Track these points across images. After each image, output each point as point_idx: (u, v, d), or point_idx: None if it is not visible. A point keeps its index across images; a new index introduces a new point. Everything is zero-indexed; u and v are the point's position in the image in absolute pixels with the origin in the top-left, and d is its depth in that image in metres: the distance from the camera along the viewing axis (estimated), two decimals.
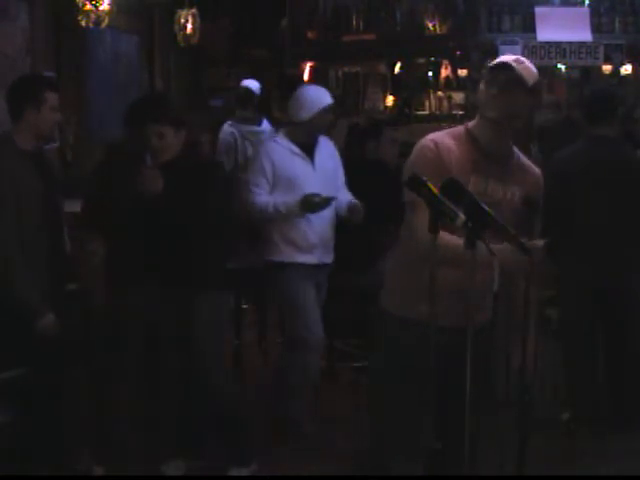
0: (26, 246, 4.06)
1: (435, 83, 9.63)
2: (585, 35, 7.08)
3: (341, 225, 5.10)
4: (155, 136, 4.24)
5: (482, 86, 3.19)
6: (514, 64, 3.15)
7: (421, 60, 9.36)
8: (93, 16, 6.06)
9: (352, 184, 5.24)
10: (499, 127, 3.17)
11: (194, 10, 8.26)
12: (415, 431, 3.28)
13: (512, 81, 3.13)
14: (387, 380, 3.39)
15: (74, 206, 4.78)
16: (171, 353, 4.42)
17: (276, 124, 10.17)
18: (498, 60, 3.23)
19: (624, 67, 9.02)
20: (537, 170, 3.35)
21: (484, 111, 3.19)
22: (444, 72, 9.38)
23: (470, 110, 9.15)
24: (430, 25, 9.05)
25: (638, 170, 4.88)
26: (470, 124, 3.26)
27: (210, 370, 4.36)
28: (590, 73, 8.63)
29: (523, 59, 3.21)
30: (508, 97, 3.13)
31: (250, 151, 7.19)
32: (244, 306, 5.98)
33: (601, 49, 7.08)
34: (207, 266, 4.30)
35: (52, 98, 4.11)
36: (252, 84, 8.10)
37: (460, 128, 3.28)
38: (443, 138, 3.22)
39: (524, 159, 3.33)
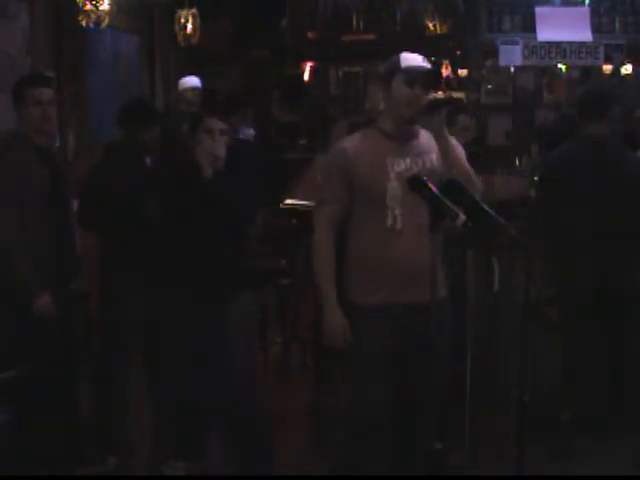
0: (29, 235, 4.12)
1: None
2: (585, 35, 7.08)
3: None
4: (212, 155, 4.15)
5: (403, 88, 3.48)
6: (427, 64, 3.54)
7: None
8: (93, 16, 6.07)
9: None
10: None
11: (194, 10, 8.27)
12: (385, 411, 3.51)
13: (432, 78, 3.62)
14: (360, 365, 3.57)
15: (75, 206, 4.79)
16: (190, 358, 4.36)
17: (276, 124, 10.21)
18: (411, 62, 3.53)
19: (624, 67, 9.02)
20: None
21: (394, 107, 3.51)
22: (444, 72, 9.38)
23: (470, 110, 9.17)
24: (430, 25, 9.06)
25: (629, 169, 4.85)
26: (378, 121, 3.62)
27: (239, 372, 4.28)
28: (590, 73, 8.63)
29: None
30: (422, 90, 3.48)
31: None
32: None
33: (601, 49, 7.08)
34: (240, 265, 4.23)
35: (36, 94, 4.23)
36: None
37: (368, 128, 3.65)
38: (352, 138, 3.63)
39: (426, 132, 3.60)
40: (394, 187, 3.46)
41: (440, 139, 3.50)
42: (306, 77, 9.67)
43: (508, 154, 7.39)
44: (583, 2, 8.64)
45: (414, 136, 3.57)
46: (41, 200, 4.19)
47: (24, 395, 4.18)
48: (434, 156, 3.56)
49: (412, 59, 3.54)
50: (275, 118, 10.11)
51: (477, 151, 8.17)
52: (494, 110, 8.92)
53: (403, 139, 3.55)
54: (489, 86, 8.97)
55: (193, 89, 7.01)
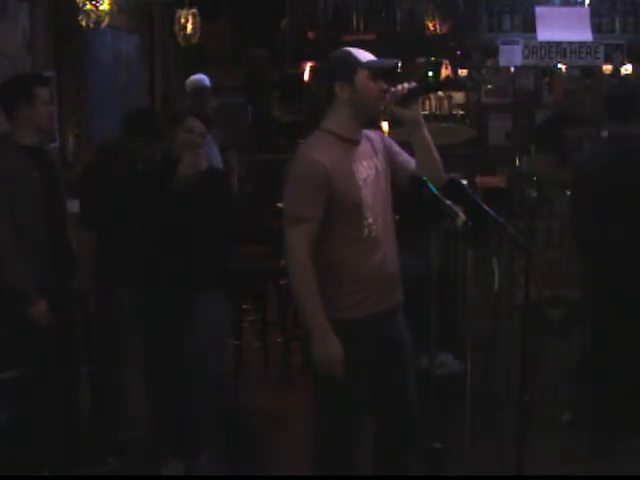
0: (24, 237, 4.11)
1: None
2: (585, 35, 7.07)
3: None
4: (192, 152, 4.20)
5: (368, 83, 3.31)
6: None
7: (421, 60, 9.36)
8: (93, 16, 6.06)
9: None
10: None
11: (194, 10, 8.26)
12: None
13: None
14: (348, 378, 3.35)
15: (75, 206, 4.80)
16: (172, 352, 4.42)
17: (276, 124, 10.21)
18: (368, 56, 3.37)
19: (624, 67, 9.01)
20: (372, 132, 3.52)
21: (363, 104, 3.31)
22: (444, 72, 9.37)
23: (470, 110, 9.16)
24: (430, 25, 9.05)
25: None
26: (327, 125, 3.37)
27: (209, 372, 4.34)
28: (591, 73, 8.62)
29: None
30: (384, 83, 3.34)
31: None
32: (244, 306, 5.98)
33: (601, 49, 7.07)
34: (210, 267, 4.30)
35: (43, 92, 4.22)
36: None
37: (320, 134, 3.39)
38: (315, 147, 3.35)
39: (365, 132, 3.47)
40: (365, 195, 3.31)
41: (417, 131, 3.37)
42: (306, 77, 9.67)
43: (508, 154, 7.39)
44: (583, 2, 8.65)
45: (361, 138, 3.42)
46: (35, 201, 4.17)
47: (24, 395, 4.18)
48: (381, 156, 3.44)
49: (365, 54, 3.37)
50: (275, 118, 10.12)
51: (476, 151, 8.21)
52: (494, 110, 8.92)
53: (357, 142, 3.39)
54: (489, 86, 8.97)
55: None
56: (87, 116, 7.00)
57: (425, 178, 3.21)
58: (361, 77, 3.31)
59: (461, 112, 9.28)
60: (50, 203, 4.27)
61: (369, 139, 3.45)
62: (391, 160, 3.48)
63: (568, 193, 5.15)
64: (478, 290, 4.63)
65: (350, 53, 3.35)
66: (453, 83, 4.04)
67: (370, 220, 3.32)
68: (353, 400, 3.37)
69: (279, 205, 6.37)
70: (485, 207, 3.05)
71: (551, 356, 5.16)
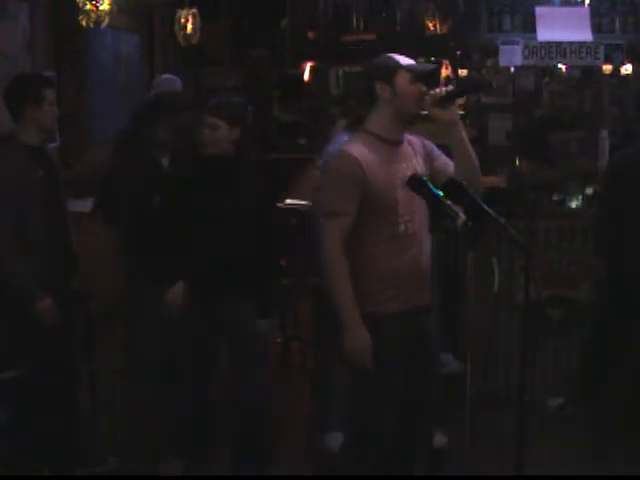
0: (26, 237, 4.11)
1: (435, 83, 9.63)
2: (585, 35, 7.06)
3: None
4: (209, 127, 4.21)
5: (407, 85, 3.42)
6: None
7: (421, 60, 9.35)
8: (93, 16, 6.05)
9: None
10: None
11: (194, 10, 8.25)
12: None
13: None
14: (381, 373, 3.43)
15: (75, 206, 4.80)
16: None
17: (277, 124, 10.20)
18: (409, 60, 3.49)
19: (624, 67, 9.01)
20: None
21: (402, 104, 3.42)
22: (444, 72, 9.37)
23: (470, 110, 9.16)
24: (430, 25, 9.05)
25: None
26: (367, 126, 3.48)
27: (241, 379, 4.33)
28: (591, 73, 8.62)
29: None
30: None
31: None
32: None
33: (601, 49, 7.06)
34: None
35: (50, 94, 4.25)
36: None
37: (360, 134, 3.49)
38: (353, 145, 3.45)
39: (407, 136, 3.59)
40: (402, 194, 3.40)
41: (454, 132, 3.47)
42: (306, 77, 9.66)
43: (508, 154, 7.39)
44: (583, 2, 8.64)
45: (402, 140, 3.54)
46: (36, 201, 4.18)
47: (24, 395, 4.18)
48: (420, 159, 3.54)
49: (405, 59, 3.49)
50: (275, 118, 10.11)
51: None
52: (494, 110, 8.91)
53: (397, 143, 3.51)
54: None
55: None
56: (87, 116, 7.00)
57: (425, 178, 3.22)
58: (401, 79, 3.43)
59: (461, 112, 9.27)
60: (50, 203, 4.28)
61: (410, 142, 3.56)
62: (431, 163, 3.58)
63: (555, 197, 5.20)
64: (478, 290, 4.64)
65: (391, 57, 3.49)
66: (489, 85, 4.05)
67: (406, 217, 3.42)
68: (386, 396, 3.42)
69: (279, 205, 6.38)
70: (485, 207, 3.05)
71: (551, 356, 5.17)
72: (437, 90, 3.40)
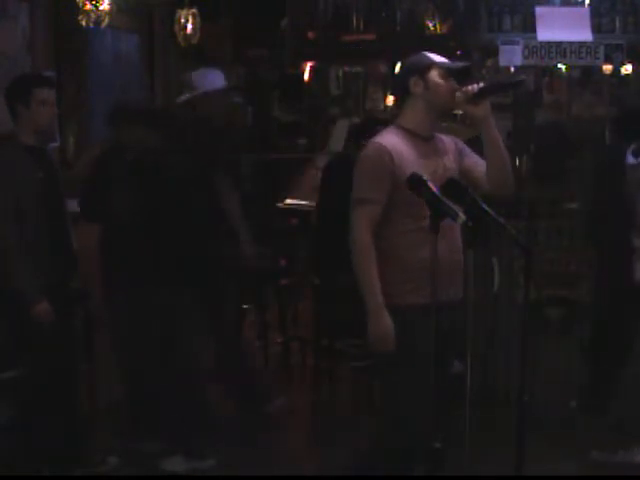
0: (26, 238, 4.11)
1: None
2: (585, 35, 7.05)
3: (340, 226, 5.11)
4: None
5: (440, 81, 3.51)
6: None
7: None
8: (93, 16, 6.06)
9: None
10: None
11: (194, 10, 8.24)
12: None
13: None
14: (407, 365, 3.45)
15: (75, 206, 4.80)
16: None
17: (277, 124, 10.21)
18: (442, 58, 3.61)
19: (624, 67, 9.01)
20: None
21: (435, 100, 3.51)
22: None
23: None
24: (430, 25, 9.05)
25: None
26: (400, 121, 3.57)
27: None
28: (591, 73, 8.62)
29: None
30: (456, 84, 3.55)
31: None
32: (244, 306, 5.98)
33: (601, 49, 7.05)
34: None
35: (41, 93, 4.22)
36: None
37: (392, 128, 3.59)
38: (384, 139, 3.53)
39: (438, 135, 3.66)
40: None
41: (486, 128, 3.54)
42: (306, 77, 9.66)
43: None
44: (583, 2, 8.64)
45: (434, 135, 3.60)
46: (36, 201, 4.18)
47: (24, 395, 4.18)
48: (451, 157, 3.60)
49: (438, 57, 3.60)
50: (275, 118, 10.12)
51: (476, 151, 8.19)
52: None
53: (429, 138, 3.57)
54: None
55: None
56: (87, 116, 7.00)
57: (425, 177, 3.22)
58: (434, 75, 3.52)
59: (461, 112, 9.27)
60: (50, 203, 4.28)
61: (442, 140, 3.63)
62: (461, 162, 3.65)
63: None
64: (478, 290, 4.64)
65: (425, 54, 3.61)
66: (522, 83, 4.06)
67: None
68: (414, 388, 3.41)
69: (279, 205, 6.39)
70: (485, 207, 3.05)
71: (551, 356, 5.16)
72: (470, 87, 3.47)
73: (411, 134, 3.54)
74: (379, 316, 3.41)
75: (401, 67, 3.71)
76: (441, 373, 3.42)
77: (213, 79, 5.04)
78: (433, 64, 3.55)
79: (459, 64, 3.61)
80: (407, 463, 3.54)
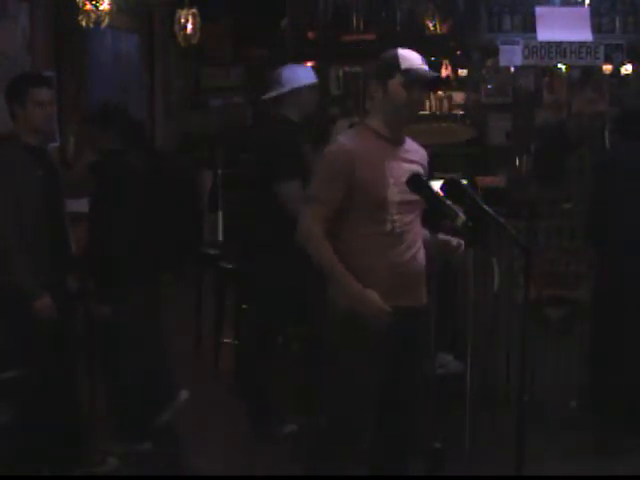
0: (25, 237, 4.11)
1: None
2: (585, 35, 7.05)
3: None
4: None
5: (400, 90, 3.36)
6: (425, 66, 3.41)
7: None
8: (93, 16, 6.06)
9: None
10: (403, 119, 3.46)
11: (194, 10, 8.25)
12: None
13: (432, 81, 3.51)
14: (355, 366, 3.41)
15: (74, 206, 4.80)
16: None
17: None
18: (412, 63, 3.39)
19: (624, 67, 9.01)
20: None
21: (393, 108, 3.39)
22: (444, 72, 9.36)
23: (470, 110, 9.15)
24: (430, 25, 9.05)
25: None
26: (367, 120, 3.48)
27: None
28: (591, 73, 8.63)
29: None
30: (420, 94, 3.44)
31: None
32: (244, 306, 5.98)
33: (601, 49, 7.05)
34: None
35: (37, 93, 4.21)
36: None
37: (359, 127, 3.53)
38: (350, 138, 3.46)
39: (410, 140, 3.55)
40: (393, 193, 3.35)
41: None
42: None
43: (508, 154, 7.39)
44: (583, 2, 8.64)
45: (404, 140, 3.50)
46: (37, 200, 4.19)
47: (24, 395, 4.18)
48: (419, 166, 3.47)
49: (411, 59, 3.40)
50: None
51: (476, 151, 8.21)
52: (494, 110, 8.91)
53: (397, 141, 3.46)
54: (489, 86, 8.97)
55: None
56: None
57: (425, 178, 3.22)
58: (395, 83, 3.37)
59: (461, 112, 9.28)
60: (50, 203, 4.28)
61: (413, 147, 3.53)
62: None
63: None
64: (478, 290, 4.64)
65: (395, 56, 3.40)
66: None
67: (395, 217, 3.36)
68: (361, 392, 3.39)
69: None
70: (485, 207, 3.05)
71: (551, 356, 5.16)
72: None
73: (378, 135, 3.43)
74: (366, 293, 3.31)
75: (372, 66, 3.58)
76: (399, 380, 3.44)
77: (304, 74, 5.01)
78: (396, 71, 3.36)
79: (426, 74, 3.41)
80: (346, 462, 3.50)
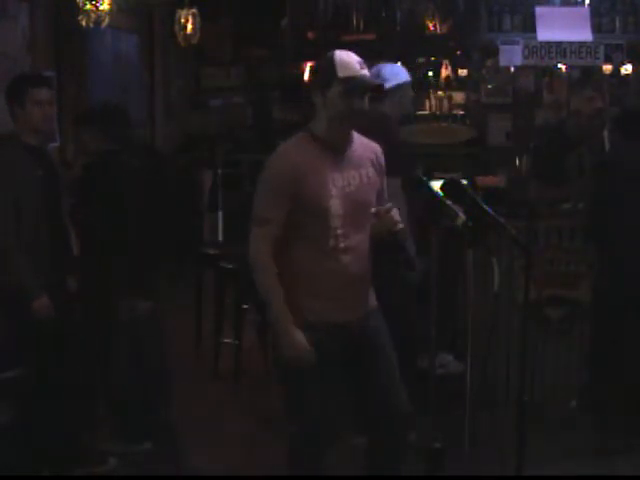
0: (25, 237, 4.11)
1: (435, 83, 9.64)
2: (585, 35, 7.06)
3: None
4: None
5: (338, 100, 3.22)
6: (364, 72, 3.24)
7: (421, 60, 9.36)
8: (93, 16, 6.06)
9: None
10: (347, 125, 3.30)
11: (194, 10, 8.25)
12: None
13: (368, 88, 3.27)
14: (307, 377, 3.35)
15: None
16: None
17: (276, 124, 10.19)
18: (349, 70, 3.24)
19: (624, 67, 9.01)
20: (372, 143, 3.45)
21: (332, 117, 3.26)
22: (444, 72, 9.37)
23: (470, 110, 9.15)
24: (430, 25, 9.05)
25: None
26: (311, 126, 3.35)
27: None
28: (591, 73, 8.63)
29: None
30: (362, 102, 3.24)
31: None
32: (244, 306, 5.98)
33: (601, 49, 7.06)
34: None
35: (36, 93, 4.21)
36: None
37: (303, 134, 3.36)
38: (293, 149, 3.31)
39: (360, 138, 3.39)
40: (336, 205, 3.23)
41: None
42: (306, 77, 9.66)
43: (508, 154, 7.39)
44: (583, 2, 8.64)
45: (350, 145, 3.34)
46: (36, 200, 4.19)
47: (24, 395, 4.18)
48: (370, 168, 3.36)
49: (349, 66, 3.23)
50: (275, 118, 10.11)
51: (476, 151, 8.21)
52: (494, 110, 8.92)
53: (341, 149, 3.30)
54: (489, 86, 8.97)
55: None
56: None
57: (425, 178, 3.22)
58: (334, 91, 3.23)
59: (461, 112, 9.28)
60: (50, 202, 4.29)
61: (359, 150, 3.37)
62: (381, 179, 3.43)
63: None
64: (478, 290, 4.63)
65: (332, 63, 3.25)
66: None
67: (339, 231, 3.25)
68: (314, 401, 3.34)
69: None
70: (485, 207, 3.05)
71: (551, 356, 5.16)
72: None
73: (320, 142, 3.28)
74: (292, 332, 3.23)
75: (313, 71, 3.49)
76: (371, 384, 3.40)
77: (403, 72, 4.97)
78: (336, 79, 3.21)
79: (366, 82, 3.26)
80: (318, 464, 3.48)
